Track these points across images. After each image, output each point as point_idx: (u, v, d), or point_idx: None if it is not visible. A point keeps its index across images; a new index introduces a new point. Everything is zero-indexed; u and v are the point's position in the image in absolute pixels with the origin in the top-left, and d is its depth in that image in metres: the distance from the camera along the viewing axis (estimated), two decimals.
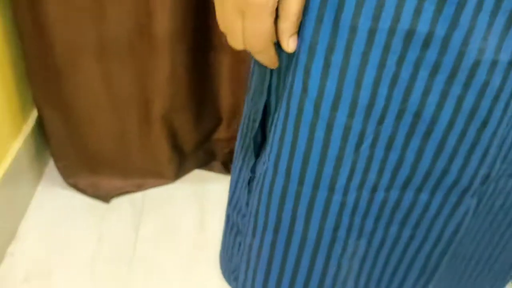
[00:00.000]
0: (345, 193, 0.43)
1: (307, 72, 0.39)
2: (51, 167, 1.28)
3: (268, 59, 0.41)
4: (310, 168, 0.43)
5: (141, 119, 1.20)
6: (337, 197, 0.44)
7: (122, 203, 1.23)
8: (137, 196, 1.25)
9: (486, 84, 0.38)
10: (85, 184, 1.23)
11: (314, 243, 0.46)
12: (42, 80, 1.11)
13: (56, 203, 1.22)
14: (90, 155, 1.22)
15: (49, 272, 1.06)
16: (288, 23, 0.38)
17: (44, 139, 1.21)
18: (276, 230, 0.47)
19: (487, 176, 0.45)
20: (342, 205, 0.44)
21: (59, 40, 1.06)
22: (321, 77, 0.39)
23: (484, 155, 0.42)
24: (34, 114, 1.21)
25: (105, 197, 1.22)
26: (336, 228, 0.45)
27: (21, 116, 1.18)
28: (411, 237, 0.47)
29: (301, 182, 0.44)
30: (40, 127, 1.19)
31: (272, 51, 0.40)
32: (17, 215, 1.14)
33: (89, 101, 1.16)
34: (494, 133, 0.41)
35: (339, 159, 0.42)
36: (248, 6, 0.35)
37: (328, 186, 0.43)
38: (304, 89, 0.40)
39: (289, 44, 0.39)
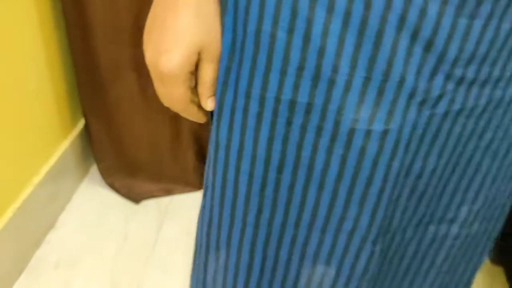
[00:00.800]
0: (256, 226, 0.51)
1: (218, 126, 0.47)
2: (95, 168, 1.44)
3: (191, 116, 0.49)
4: (226, 201, 0.51)
5: (172, 132, 1.32)
6: (249, 229, 0.51)
7: (149, 205, 1.35)
8: (164, 200, 1.37)
9: (363, 148, 0.44)
10: (120, 185, 1.37)
11: (234, 268, 0.54)
12: (89, 92, 1.27)
13: (94, 199, 1.37)
14: (127, 160, 1.36)
15: (76, 261, 1.20)
16: (205, 89, 0.47)
17: (89, 143, 1.36)
18: (207, 249, 0.56)
19: (387, 226, 0.51)
20: (254, 236, 0.52)
21: (104, 57, 1.21)
22: (228, 131, 0.47)
23: (375, 208, 0.48)
24: (82, 121, 1.37)
25: (136, 199, 1.35)
26: (252, 255, 0.53)
27: (70, 122, 1.34)
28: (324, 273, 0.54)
29: (220, 213, 0.52)
30: (86, 132, 1.35)
31: (192, 111, 0.48)
32: (58, 207, 1.31)
33: (128, 112, 1.30)
34: (382, 190, 0.47)
35: (247, 199, 0.49)
36: (164, 76, 0.44)
37: (241, 219, 0.51)
38: (217, 140, 0.48)
39: (207, 104, 0.48)
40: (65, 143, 1.31)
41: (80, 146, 1.37)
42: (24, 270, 1.16)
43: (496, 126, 0.47)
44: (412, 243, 0.55)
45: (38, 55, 1.15)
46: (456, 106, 0.44)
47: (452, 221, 0.54)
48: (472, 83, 0.43)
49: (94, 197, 1.38)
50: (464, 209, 0.53)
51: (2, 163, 1.06)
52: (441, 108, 0.43)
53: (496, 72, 0.43)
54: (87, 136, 1.36)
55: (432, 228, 0.54)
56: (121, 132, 1.33)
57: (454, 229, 0.55)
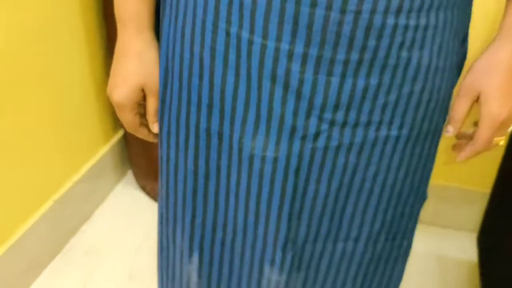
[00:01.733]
0: (193, 227, 0.64)
1: (160, 145, 0.63)
2: (131, 172, 1.62)
3: (143, 137, 0.65)
4: (170, 205, 0.65)
5: None
6: (187, 229, 0.65)
7: None
8: None
9: (261, 170, 0.57)
10: (150, 188, 1.54)
11: (180, 262, 0.68)
12: None
13: (127, 199, 1.56)
14: (157, 167, 1.53)
15: (103, 251, 1.38)
16: (150, 116, 0.62)
17: (127, 150, 1.55)
18: (161, 246, 0.70)
19: (294, 236, 0.62)
20: (191, 235, 0.65)
21: None
22: (166, 149, 0.62)
23: (278, 220, 0.60)
24: (122, 130, 1.57)
25: None
26: (191, 253, 0.67)
27: (111, 130, 1.54)
28: None
29: (167, 216, 0.66)
30: (125, 140, 1.54)
31: (143, 132, 0.64)
32: (96, 202, 1.50)
33: None
34: (281, 206, 0.59)
35: (184, 203, 0.64)
36: (116, 105, 0.59)
37: (181, 219, 0.65)
38: (161, 156, 0.63)
39: (153, 128, 0.62)
40: (105, 148, 1.50)
41: (118, 152, 1.57)
42: (59, 253, 1.36)
43: (378, 160, 0.57)
44: (324, 257, 0.65)
45: (84, 71, 1.36)
46: (334, 142, 0.55)
47: (357, 239, 0.64)
48: (343, 125, 0.54)
49: (127, 197, 1.57)
50: (366, 229, 0.63)
51: (48, 159, 1.26)
52: (321, 143, 0.55)
53: (363, 118, 0.53)
54: (125, 144, 1.55)
55: (340, 245, 0.64)
56: (153, 142, 1.50)
57: (360, 246, 0.65)
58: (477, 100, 0.58)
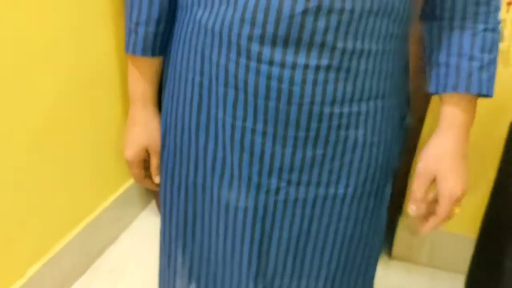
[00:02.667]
0: (184, 263, 0.81)
1: (160, 190, 0.80)
2: (154, 202, 1.82)
3: (147, 186, 0.83)
4: (166, 237, 0.82)
5: None
6: (179, 260, 0.82)
7: None
8: None
9: (235, 216, 0.73)
10: None
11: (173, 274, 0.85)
12: None
13: (150, 226, 1.74)
14: None
15: (125, 271, 1.56)
16: (153, 170, 0.80)
17: None
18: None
19: (264, 270, 0.78)
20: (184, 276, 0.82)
21: None
22: (164, 193, 0.79)
23: (250, 256, 0.76)
24: None
25: None
26: None
27: None
28: None
29: (164, 243, 0.84)
30: None
31: (147, 182, 0.82)
32: (121, 227, 1.70)
33: None
34: (251, 246, 0.75)
35: (176, 237, 0.80)
36: (127, 162, 0.78)
37: (174, 251, 0.82)
38: (161, 198, 0.80)
39: (155, 179, 0.81)
40: (131, 180, 1.71)
41: None
42: (87, 271, 1.55)
43: (329, 212, 0.73)
44: None
45: (115, 119, 1.57)
46: (292, 197, 0.71)
47: (317, 277, 0.79)
48: (298, 184, 0.70)
49: (150, 224, 1.75)
50: (324, 269, 0.77)
51: (83, 188, 1.47)
52: (281, 196, 0.71)
53: (314, 179, 0.69)
54: None
55: (304, 281, 0.79)
56: None
57: (321, 283, 0.79)
58: (433, 181, 0.71)
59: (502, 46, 1.28)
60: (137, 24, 0.71)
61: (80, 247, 1.49)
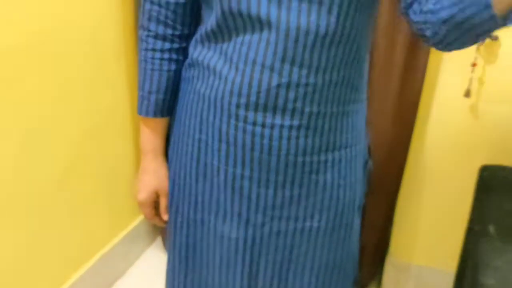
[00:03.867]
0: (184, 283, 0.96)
1: (167, 227, 0.95)
2: (160, 238, 1.96)
3: (157, 223, 0.99)
4: (170, 266, 0.97)
5: None
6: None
7: None
8: None
9: (229, 246, 0.88)
10: None
11: None
12: None
13: (156, 260, 1.88)
14: None
15: None
16: (162, 209, 0.96)
17: None
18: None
19: None
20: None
21: None
22: (170, 228, 0.94)
23: (242, 279, 0.91)
24: None
25: None
26: None
27: None
28: None
29: (168, 271, 0.99)
30: None
31: (156, 221, 0.98)
32: (130, 262, 1.84)
33: None
34: (242, 270, 0.90)
35: (180, 265, 0.95)
36: (139, 204, 0.94)
37: (177, 282, 0.97)
38: (168, 233, 0.96)
39: (164, 217, 0.96)
40: (139, 218, 1.86)
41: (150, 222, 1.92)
42: None
43: (307, 241, 0.88)
44: None
45: (127, 160, 1.74)
46: (275, 229, 0.86)
47: None
48: (280, 218, 0.85)
49: (156, 259, 1.90)
50: None
51: (95, 225, 1.62)
52: (266, 229, 0.86)
53: (292, 214, 0.85)
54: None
55: None
56: None
57: None
58: None
59: (470, 101, 1.45)
60: (149, 92, 0.89)
61: (92, 279, 1.63)
